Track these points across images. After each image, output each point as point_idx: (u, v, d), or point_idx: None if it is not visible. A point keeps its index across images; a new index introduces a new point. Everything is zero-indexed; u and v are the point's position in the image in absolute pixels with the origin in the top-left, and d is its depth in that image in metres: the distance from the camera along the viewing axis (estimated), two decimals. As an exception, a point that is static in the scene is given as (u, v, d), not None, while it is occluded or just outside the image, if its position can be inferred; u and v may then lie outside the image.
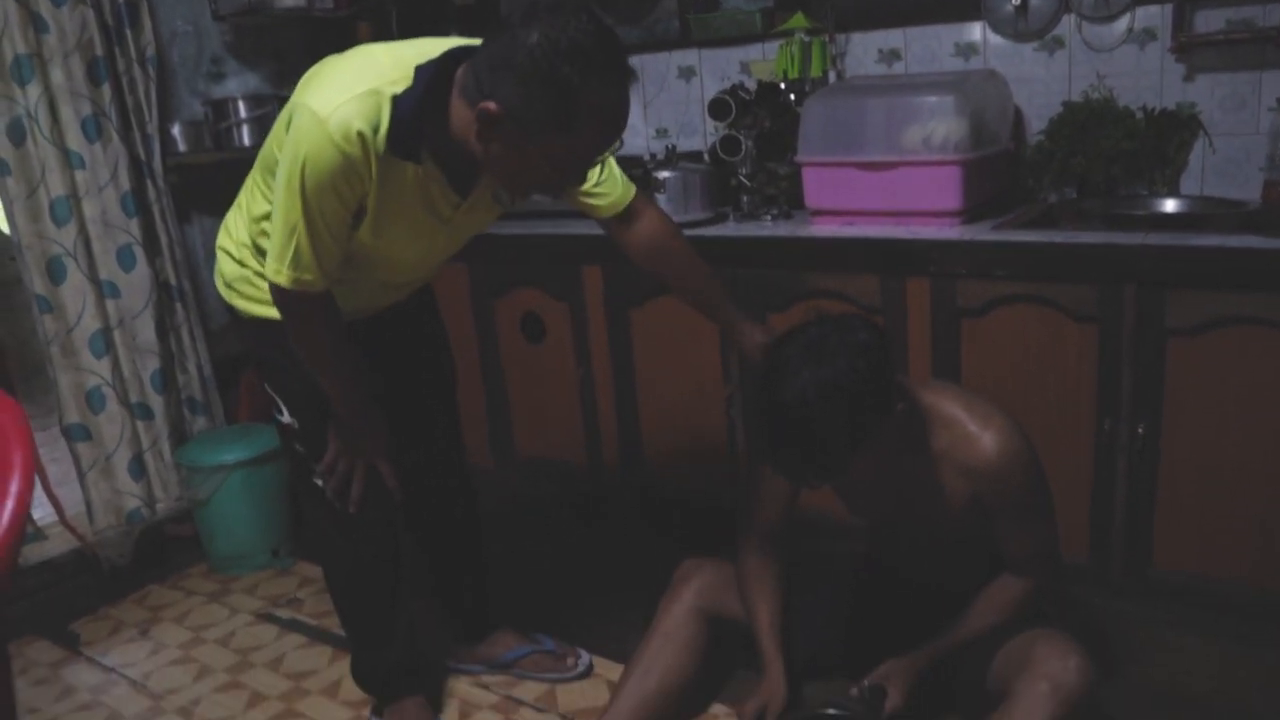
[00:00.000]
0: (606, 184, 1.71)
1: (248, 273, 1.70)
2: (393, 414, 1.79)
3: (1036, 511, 1.64)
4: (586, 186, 1.69)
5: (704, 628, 1.85)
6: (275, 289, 1.53)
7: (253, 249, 1.67)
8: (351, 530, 1.81)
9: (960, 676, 1.73)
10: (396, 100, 1.41)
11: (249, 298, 1.71)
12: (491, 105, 1.33)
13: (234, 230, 1.73)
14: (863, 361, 1.45)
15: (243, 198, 1.71)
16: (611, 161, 1.67)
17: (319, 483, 1.77)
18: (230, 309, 1.78)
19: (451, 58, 1.43)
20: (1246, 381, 1.94)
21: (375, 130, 1.40)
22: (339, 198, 1.44)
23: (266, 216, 1.58)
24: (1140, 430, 2.04)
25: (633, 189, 1.74)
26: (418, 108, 1.41)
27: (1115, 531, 2.14)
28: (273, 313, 1.63)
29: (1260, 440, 1.95)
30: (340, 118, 1.37)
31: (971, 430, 1.58)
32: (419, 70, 1.42)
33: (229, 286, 1.75)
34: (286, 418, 1.77)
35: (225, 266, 1.75)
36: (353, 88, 1.40)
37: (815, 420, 1.43)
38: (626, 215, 1.75)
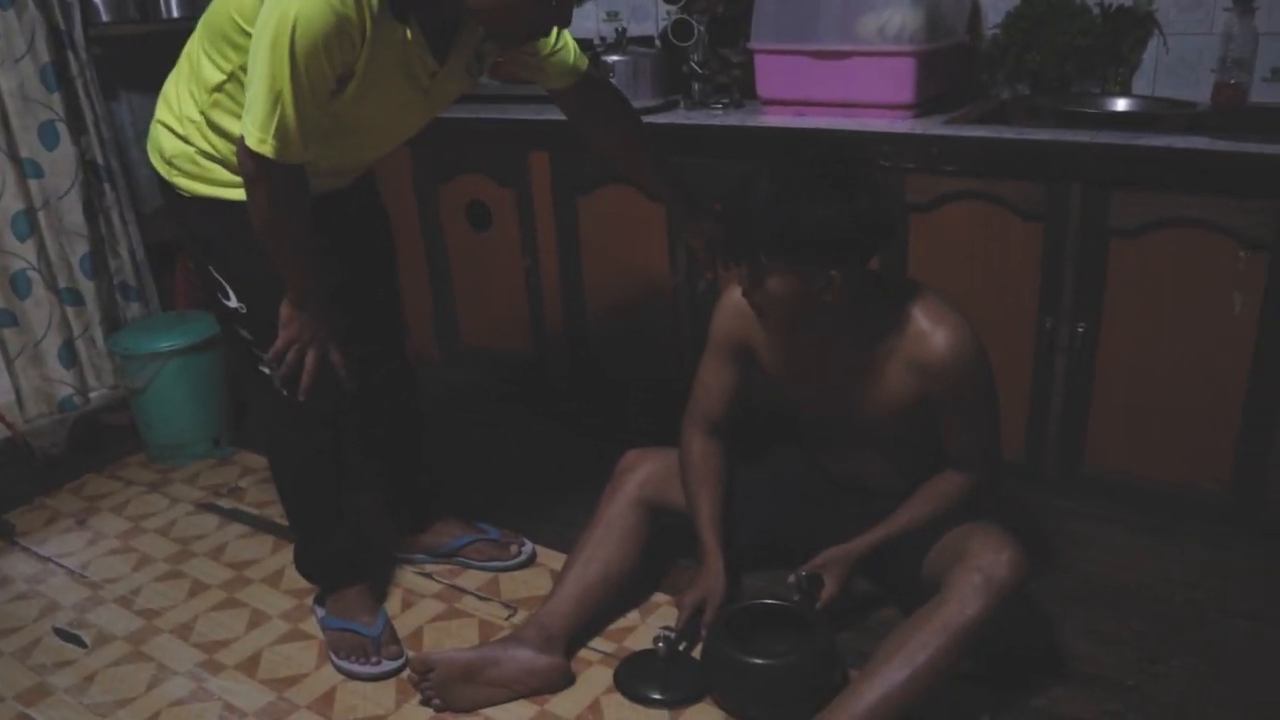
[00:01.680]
0: (563, 52, 1.70)
1: (191, 150, 1.61)
2: (336, 297, 1.72)
3: (983, 411, 1.66)
4: (544, 53, 1.67)
5: (646, 518, 1.87)
6: (254, 159, 1.44)
7: (203, 123, 1.58)
8: (297, 420, 1.77)
9: (896, 568, 1.78)
10: None
11: (193, 176, 1.63)
12: None
13: (175, 103, 1.63)
14: (849, 218, 1.48)
15: (184, 66, 1.62)
16: (567, 33, 1.68)
17: (265, 370, 1.71)
18: (170, 187, 1.68)
19: None
20: (1185, 284, 1.97)
21: None
22: (329, 61, 1.38)
23: (220, 87, 1.51)
24: (1079, 329, 2.07)
25: (585, 61, 1.74)
26: None
27: (1050, 429, 2.19)
28: (221, 192, 1.58)
29: (1194, 343, 1.99)
30: None
31: (924, 327, 1.59)
32: None
33: (169, 164, 1.65)
34: (233, 302, 1.70)
35: (165, 142, 1.65)
36: None
37: (761, 206, 1.50)
38: (581, 88, 1.74)
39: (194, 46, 1.59)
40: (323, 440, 1.84)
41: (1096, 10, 2.37)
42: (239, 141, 1.45)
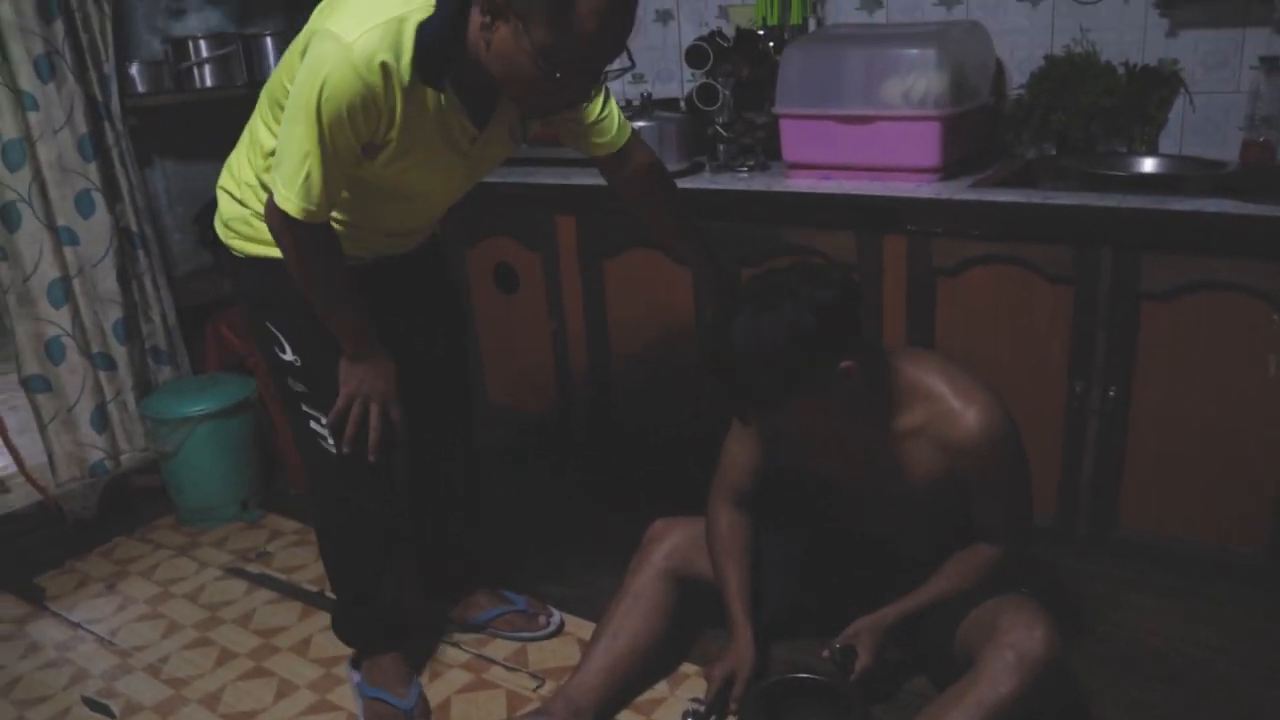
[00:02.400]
0: (607, 121, 1.71)
1: (247, 213, 1.65)
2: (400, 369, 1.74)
3: (1015, 487, 1.64)
4: (588, 121, 1.70)
5: (674, 588, 1.86)
6: (280, 218, 1.48)
7: (258, 187, 1.62)
8: (348, 478, 1.76)
9: (926, 639, 1.75)
10: (420, 26, 1.39)
11: (247, 237, 1.67)
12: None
13: (237, 170, 1.68)
14: (811, 315, 1.47)
15: (247, 136, 1.67)
16: (613, 101, 1.71)
17: (317, 427, 1.73)
18: (227, 250, 1.72)
19: None
20: (1217, 347, 1.94)
21: (398, 59, 1.38)
22: (354, 128, 1.41)
23: (274, 151, 1.53)
24: (1111, 393, 2.05)
25: (629, 130, 1.75)
26: (441, 32, 1.40)
27: (1083, 491, 2.15)
28: (273, 251, 1.60)
29: (1229, 405, 1.96)
30: (364, 45, 1.35)
31: (954, 406, 1.57)
32: None
33: (226, 226, 1.70)
34: (289, 355, 1.72)
35: (225, 208, 1.71)
36: (376, 15, 1.37)
37: (741, 361, 1.49)
38: (621, 155, 1.76)
39: (255, 115, 1.64)
40: (373, 501, 1.81)
41: (1121, 70, 2.37)
42: (267, 196, 1.50)
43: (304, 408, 1.74)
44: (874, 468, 1.66)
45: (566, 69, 1.35)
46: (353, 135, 1.42)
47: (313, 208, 1.46)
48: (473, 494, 2.12)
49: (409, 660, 1.98)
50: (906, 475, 1.63)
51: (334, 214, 1.55)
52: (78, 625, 2.29)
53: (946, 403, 1.58)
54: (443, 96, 1.47)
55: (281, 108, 1.48)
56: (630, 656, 1.81)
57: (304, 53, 1.43)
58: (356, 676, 1.96)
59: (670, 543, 1.87)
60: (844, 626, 1.73)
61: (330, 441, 1.72)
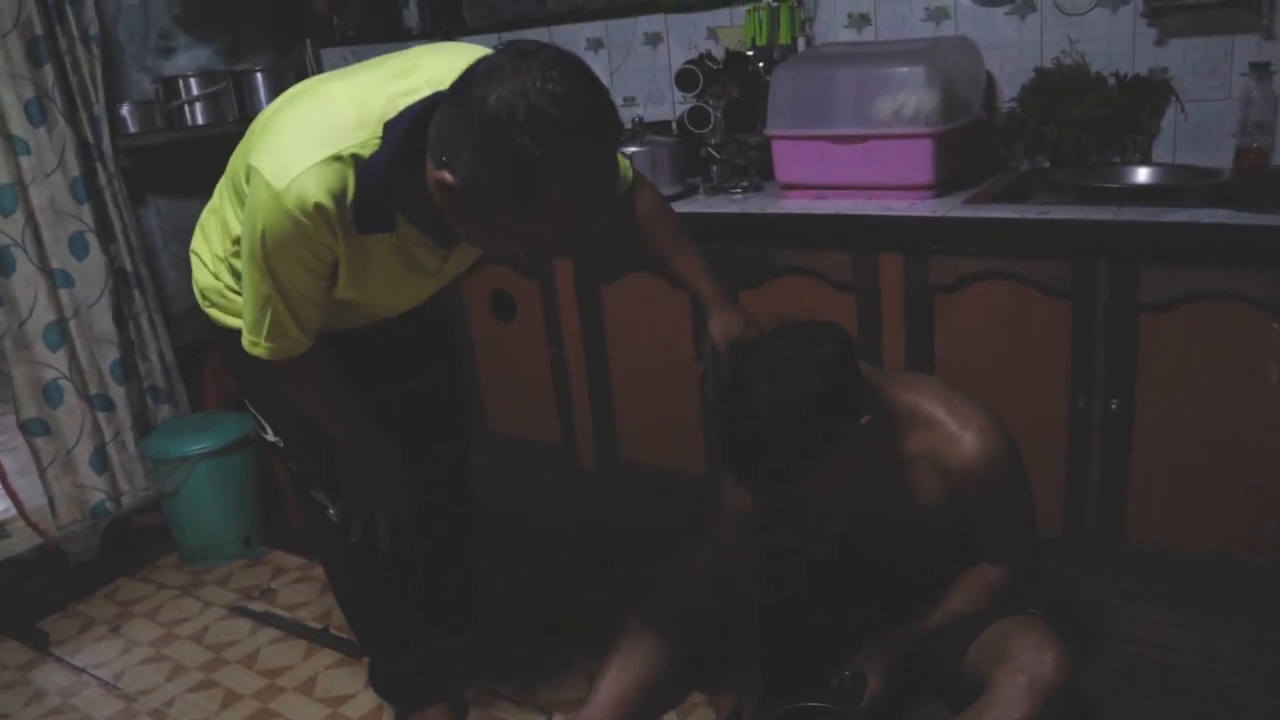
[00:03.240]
0: None
1: (221, 285, 1.56)
2: (395, 424, 1.71)
3: (1018, 507, 1.64)
4: None
5: (681, 618, 1.84)
6: (259, 360, 1.43)
7: (228, 266, 1.52)
8: (352, 551, 1.73)
9: (934, 662, 1.74)
10: (362, 168, 1.26)
11: (223, 309, 1.58)
12: (447, 176, 1.17)
13: (208, 238, 1.58)
14: (819, 380, 1.45)
15: (217, 200, 1.56)
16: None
17: (318, 498, 1.71)
18: (206, 316, 1.64)
19: (425, 110, 1.25)
20: (1217, 357, 1.93)
21: (338, 201, 1.26)
22: (305, 266, 1.32)
23: (238, 239, 1.42)
24: (1113, 405, 2.04)
25: (630, 175, 1.62)
26: (386, 176, 1.26)
27: (1088, 505, 2.14)
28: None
29: (1232, 415, 1.95)
30: (296, 190, 1.23)
31: (953, 431, 1.57)
32: (388, 128, 1.26)
33: (203, 296, 1.61)
34: (271, 436, 1.69)
35: (199, 275, 1.61)
36: (310, 153, 1.24)
37: (766, 437, 1.46)
38: (625, 200, 1.65)
39: (221, 193, 1.54)
40: (381, 564, 1.77)
41: (1112, 80, 2.36)
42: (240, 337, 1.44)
43: (300, 481, 1.74)
44: (876, 496, 1.65)
45: (541, 246, 1.26)
46: (306, 272, 1.33)
47: (286, 344, 1.40)
48: (470, 521, 2.09)
49: (456, 711, 1.94)
50: (909, 501, 1.63)
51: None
52: (82, 670, 2.27)
53: (945, 427, 1.58)
54: (395, 238, 1.36)
55: (241, 199, 1.38)
56: (638, 688, 1.80)
57: (247, 177, 1.33)
58: None
59: (676, 571, 1.86)
60: (852, 650, 1.72)
61: (332, 511, 1.70)
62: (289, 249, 1.28)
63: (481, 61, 1.16)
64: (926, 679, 1.82)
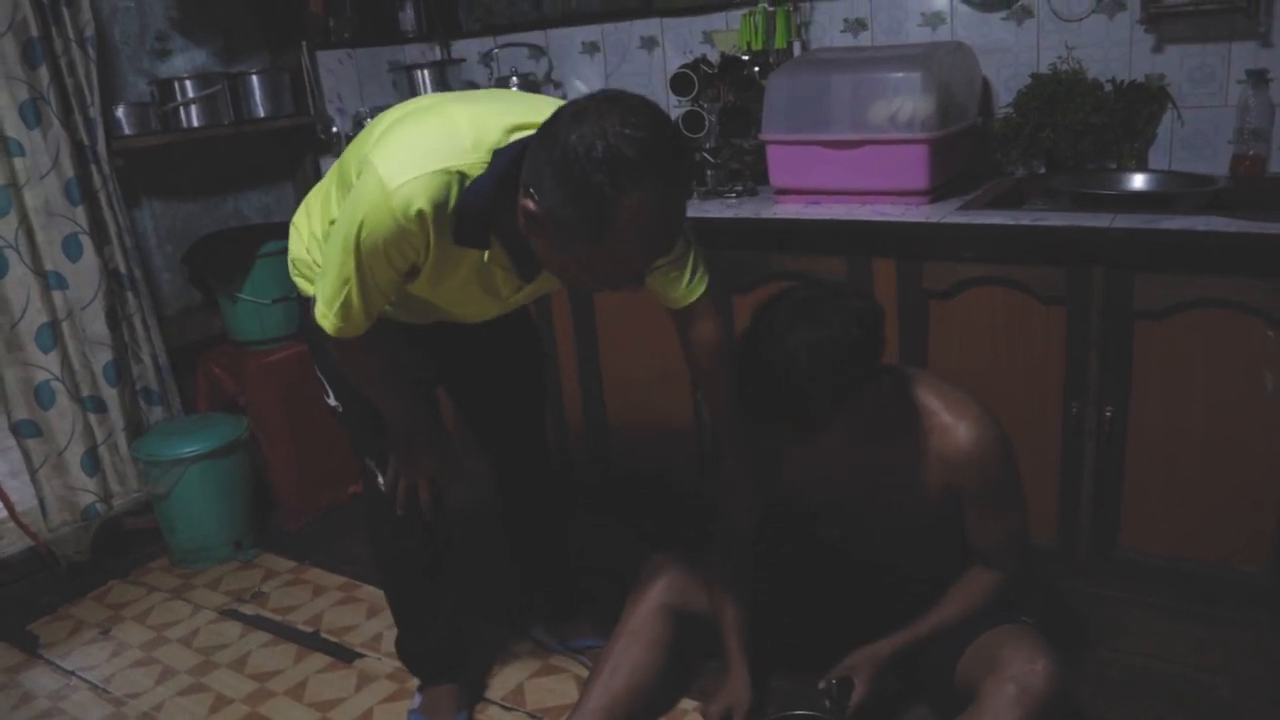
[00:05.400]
0: (672, 280, 1.63)
1: (310, 260, 1.68)
2: (472, 400, 1.96)
3: (1008, 502, 1.63)
4: (667, 278, 1.62)
5: (671, 624, 1.83)
6: (323, 331, 1.53)
7: (319, 244, 1.65)
8: (397, 521, 1.83)
9: (927, 668, 1.73)
10: (468, 188, 1.36)
11: (308, 279, 1.70)
12: (531, 204, 1.28)
13: (310, 216, 1.70)
14: (857, 329, 1.45)
15: (324, 186, 1.67)
16: (689, 267, 1.62)
17: (369, 465, 1.82)
18: (294, 285, 1.77)
19: (528, 146, 1.33)
20: (1212, 364, 1.92)
21: (438, 211, 1.36)
22: (390, 263, 1.43)
23: (334, 222, 1.54)
24: (1107, 413, 2.03)
25: (698, 292, 1.65)
26: (487, 198, 1.37)
27: (1082, 512, 2.13)
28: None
29: (1226, 424, 1.94)
30: (405, 193, 1.34)
31: (947, 420, 1.58)
32: (496, 155, 1.37)
33: (294, 264, 1.74)
34: (332, 400, 1.81)
35: (294, 246, 1.73)
36: (426, 163, 1.35)
37: (802, 380, 1.43)
38: (683, 315, 1.69)
39: (333, 172, 1.63)
40: (420, 544, 1.87)
41: (1109, 86, 2.36)
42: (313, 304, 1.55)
43: (356, 449, 1.86)
44: (871, 488, 1.64)
45: (608, 277, 1.33)
46: (390, 269, 1.44)
47: (352, 326, 1.50)
48: (559, 517, 2.20)
49: (464, 694, 2.01)
50: (903, 495, 1.62)
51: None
52: (71, 673, 2.26)
53: (939, 418, 1.58)
54: (486, 255, 1.46)
55: (346, 188, 1.50)
56: (628, 694, 1.79)
57: (358, 173, 1.43)
58: (417, 699, 2.01)
59: (667, 578, 1.85)
60: (844, 655, 1.71)
61: (381, 480, 1.81)
62: (381, 244, 1.39)
63: (572, 103, 1.27)
64: (918, 688, 1.81)
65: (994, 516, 1.63)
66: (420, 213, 1.35)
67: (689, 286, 1.64)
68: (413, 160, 1.36)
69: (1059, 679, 1.50)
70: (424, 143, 1.39)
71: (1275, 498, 1.93)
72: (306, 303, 1.68)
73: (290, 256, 1.74)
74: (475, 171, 1.36)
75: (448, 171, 1.35)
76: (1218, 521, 2.01)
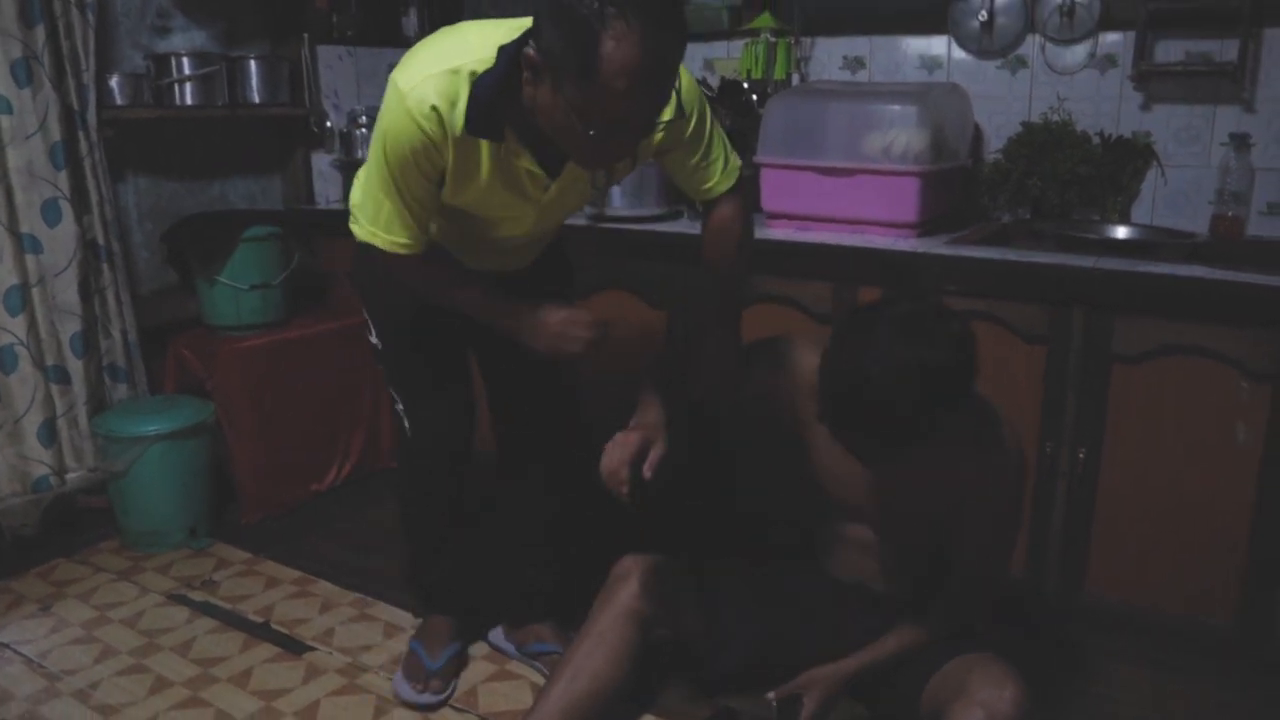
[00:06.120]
0: (703, 173, 1.67)
1: (366, 203, 1.67)
2: (501, 379, 2.01)
3: (1008, 530, 1.63)
4: (685, 166, 1.66)
5: (640, 630, 1.78)
6: (369, 249, 1.61)
7: None
8: (414, 457, 2.00)
9: (893, 697, 1.70)
10: (476, 79, 1.43)
11: (359, 224, 1.70)
12: (531, 50, 1.34)
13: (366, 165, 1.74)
14: (961, 353, 1.41)
15: None
16: (718, 158, 1.67)
17: (398, 408, 1.95)
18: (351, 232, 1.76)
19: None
20: (1186, 412, 1.95)
21: (452, 107, 1.43)
22: (419, 169, 1.49)
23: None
24: (1080, 454, 2.05)
25: (726, 186, 1.70)
26: (496, 86, 1.43)
27: (1050, 553, 2.14)
28: (367, 235, 1.67)
29: (1197, 472, 1.96)
30: (419, 94, 1.42)
31: (983, 441, 1.57)
32: (502, 50, 1.43)
33: (351, 209, 1.72)
34: (374, 338, 1.92)
35: (355, 192, 1.73)
36: (436, 65, 1.44)
37: (906, 401, 1.37)
38: (709, 206, 1.74)
39: None
40: (438, 477, 2.00)
41: (1097, 140, 2.41)
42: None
43: (390, 388, 1.97)
44: (887, 497, 1.62)
45: (600, 125, 1.33)
46: (420, 175, 1.50)
47: (401, 239, 1.57)
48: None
49: (459, 629, 2.11)
50: (918, 506, 1.61)
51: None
52: (6, 646, 2.17)
53: (974, 440, 1.56)
54: (503, 147, 1.50)
55: None
56: (589, 699, 1.73)
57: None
58: (419, 627, 2.13)
59: (639, 581, 1.80)
60: (796, 671, 1.68)
61: (408, 423, 1.94)
62: (407, 149, 1.46)
63: None
64: (883, 715, 1.78)
65: (988, 538, 1.62)
66: (434, 109, 1.42)
67: (715, 183, 1.68)
68: (425, 66, 1.44)
69: (1025, 707, 1.49)
70: (435, 53, 1.47)
71: (1243, 551, 1.95)
72: (358, 247, 1.74)
73: (352, 203, 1.74)
74: (483, 67, 1.43)
75: (457, 71, 1.43)
76: (1185, 571, 2.02)
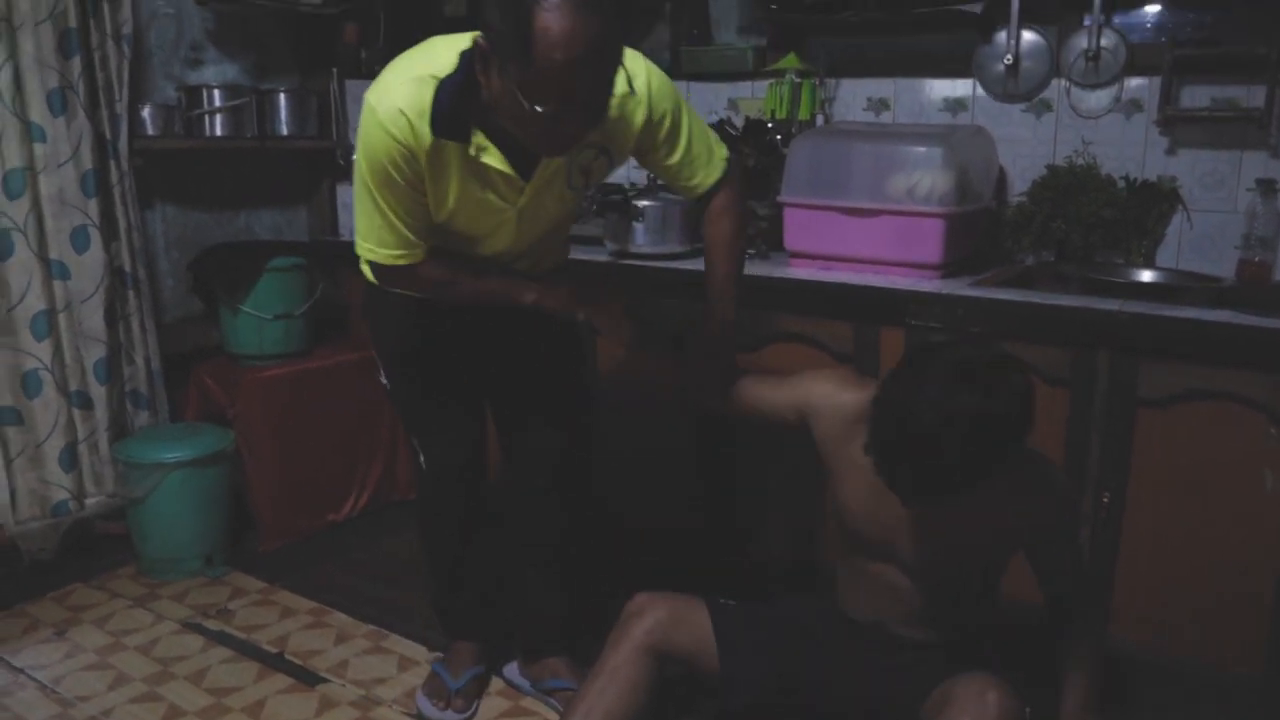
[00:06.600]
0: (684, 171, 1.74)
1: (359, 222, 1.74)
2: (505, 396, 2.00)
3: (1075, 528, 1.68)
4: (666, 166, 1.73)
5: (653, 667, 1.76)
6: (373, 266, 1.67)
7: None
8: (431, 489, 2.03)
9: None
10: (440, 83, 1.49)
11: (358, 244, 1.79)
12: (480, 40, 1.40)
13: None
14: (1019, 404, 1.41)
15: None
16: (697, 150, 1.72)
17: (415, 443, 1.97)
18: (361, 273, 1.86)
19: None
20: (1213, 457, 1.93)
21: (420, 113, 1.48)
22: (400, 177, 1.53)
23: None
24: (1105, 499, 2.02)
25: (715, 178, 1.76)
26: (458, 89, 1.48)
27: (1073, 599, 2.10)
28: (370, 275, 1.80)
29: (1223, 519, 1.93)
30: (387, 104, 1.48)
31: (1034, 483, 1.57)
32: (463, 54, 1.49)
33: (359, 248, 1.78)
34: (384, 378, 1.96)
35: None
36: (403, 76, 1.51)
37: (957, 449, 1.36)
38: (704, 199, 1.80)
39: None
40: (456, 508, 2.02)
41: (1122, 183, 2.41)
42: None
43: (404, 425, 2.04)
44: (930, 542, 1.60)
45: (547, 103, 1.37)
46: (402, 184, 1.54)
47: (397, 252, 1.61)
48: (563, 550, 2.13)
49: (482, 653, 2.14)
50: (958, 548, 1.59)
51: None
52: (20, 670, 2.17)
53: (1027, 480, 1.56)
54: (472, 149, 1.54)
55: None
56: None
57: None
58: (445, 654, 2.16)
59: (652, 618, 1.78)
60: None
61: (423, 458, 1.97)
62: (383, 159, 1.51)
63: None
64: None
65: (1068, 543, 1.64)
66: (402, 113, 1.47)
67: (702, 175, 1.74)
68: (392, 79, 1.52)
69: (1013, 710, 1.48)
70: (404, 66, 1.53)
71: (1271, 597, 1.92)
72: (364, 286, 1.85)
73: (358, 250, 1.80)
74: (447, 73, 1.49)
75: (421, 79, 1.49)
76: (1211, 618, 1.98)
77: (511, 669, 2.16)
